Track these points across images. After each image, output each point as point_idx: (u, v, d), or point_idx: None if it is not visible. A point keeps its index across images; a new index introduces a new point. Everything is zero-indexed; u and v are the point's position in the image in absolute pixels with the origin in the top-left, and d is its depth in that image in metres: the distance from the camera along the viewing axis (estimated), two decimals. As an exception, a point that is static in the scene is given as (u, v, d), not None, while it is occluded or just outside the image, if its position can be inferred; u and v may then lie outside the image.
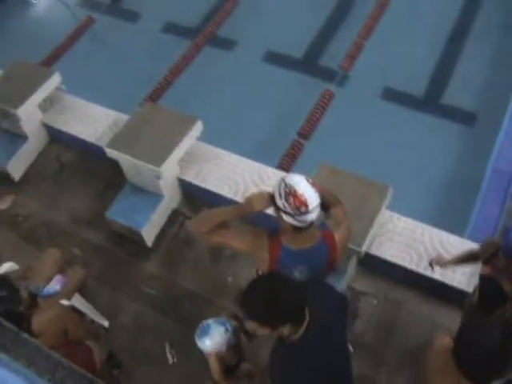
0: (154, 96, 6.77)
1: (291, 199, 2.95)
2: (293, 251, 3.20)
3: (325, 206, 3.25)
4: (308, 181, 3.03)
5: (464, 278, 4.63)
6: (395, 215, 5.09)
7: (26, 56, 6.88)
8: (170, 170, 5.43)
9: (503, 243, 3.35)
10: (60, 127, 6.31)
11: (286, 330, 2.77)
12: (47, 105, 6.46)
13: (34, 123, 6.33)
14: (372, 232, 4.63)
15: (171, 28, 8.16)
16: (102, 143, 5.67)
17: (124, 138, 5.49)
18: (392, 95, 6.96)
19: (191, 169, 5.66)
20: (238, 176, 5.52)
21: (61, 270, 4.74)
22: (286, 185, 2.99)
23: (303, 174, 3.05)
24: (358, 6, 8.05)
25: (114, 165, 5.60)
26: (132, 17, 8.51)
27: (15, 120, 6.13)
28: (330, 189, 3.40)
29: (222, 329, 3.85)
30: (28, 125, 6.24)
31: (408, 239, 4.92)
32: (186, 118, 5.60)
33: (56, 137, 6.48)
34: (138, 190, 5.62)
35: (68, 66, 7.26)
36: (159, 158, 5.26)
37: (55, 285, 4.53)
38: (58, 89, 6.47)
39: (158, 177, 5.30)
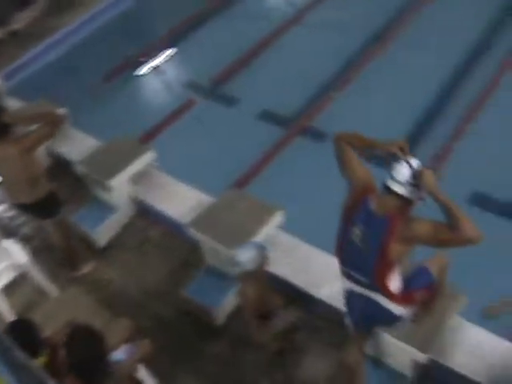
0: (242, 181, 6.93)
1: None
2: (368, 207, 3.45)
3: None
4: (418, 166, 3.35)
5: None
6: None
7: (128, 130, 7.34)
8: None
9: None
10: (148, 202, 6.56)
11: None
12: (138, 179, 6.77)
13: (124, 196, 6.66)
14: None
15: (267, 116, 8.35)
16: (186, 222, 5.88)
17: (207, 220, 5.72)
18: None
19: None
20: (311, 267, 5.51)
21: (129, 341, 4.81)
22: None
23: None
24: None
25: (195, 244, 5.80)
26: (230, 102, 8.82)
27: (107, 190, 6.48)
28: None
29: (259, 245, 4.58)
30: (118, 197, 6.58)
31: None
32: (268, 207, 5.75)
33: (143, 211, 6.75)
34: (216, 270, 5.72)
35: (164, 144, 7.63)
36: (238, 245, 5.32)
37: (121, 354, 4.60)
38: (151, 165, 6.80)
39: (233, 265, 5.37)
